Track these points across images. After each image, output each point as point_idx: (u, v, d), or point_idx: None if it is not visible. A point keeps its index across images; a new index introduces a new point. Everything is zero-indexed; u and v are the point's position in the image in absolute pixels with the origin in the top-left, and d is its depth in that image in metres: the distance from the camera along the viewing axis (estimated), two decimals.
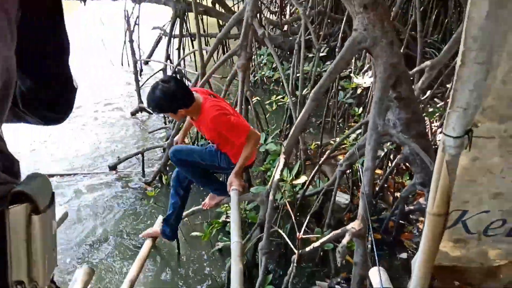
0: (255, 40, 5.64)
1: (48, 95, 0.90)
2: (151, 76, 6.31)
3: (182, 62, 6.75)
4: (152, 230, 3.13)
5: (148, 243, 3.07)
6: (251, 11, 3.72)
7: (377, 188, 3.93)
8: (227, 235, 3.13)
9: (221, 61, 3.98)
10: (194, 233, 3.26)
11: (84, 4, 6.32)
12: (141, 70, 7.03)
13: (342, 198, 3.85)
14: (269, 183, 2.78)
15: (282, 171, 2.79)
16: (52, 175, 4.18)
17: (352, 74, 4.94)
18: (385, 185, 3.99)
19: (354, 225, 2.42)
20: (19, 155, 4.53)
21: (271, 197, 2.62)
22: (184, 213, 3.20)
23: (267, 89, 6.44)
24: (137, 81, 5.38)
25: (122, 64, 7.11)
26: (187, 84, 2.88)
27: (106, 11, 8.17)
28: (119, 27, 5.85)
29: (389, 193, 4.02)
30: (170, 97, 2.42)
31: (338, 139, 3.84)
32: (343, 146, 4.25)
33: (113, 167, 4.33)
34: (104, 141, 4.98)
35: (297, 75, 5.41)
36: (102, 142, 4.94)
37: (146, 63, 7.21)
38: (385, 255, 3.26)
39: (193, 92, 2.55)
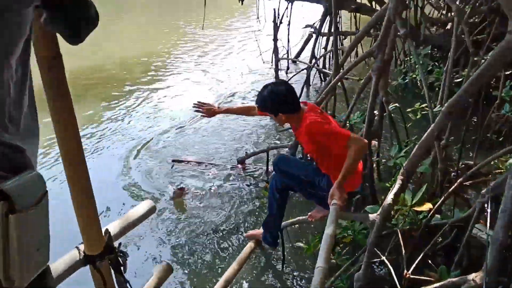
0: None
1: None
2: (294, 75, 6.30)
3: (325, 61, 6.58)
4: (257, 232, 3.08)
5: (250, 245, 3.03)
6: (394, 8, 3.31)
7: None
8: (332, 253, 2.87)
9: (356, 61, 3.68)
10: (299, 244, 3.09)
11: (242, 4, 6.61)
12: (288, 68, 7.07)
13: (485, 233, 3.16)
14: (381, 206, 2.44)
15: (398, 194, 2.42)
16: (182, 161, 4.51)
17: None
18: None
19: (476, 277, 1.92)
20: (157, 137, 5.03)
21: (377, 222, 2.28)
22: (289, 221, 3.05)
23: (418, 94, 5.77)
24: (277, 78, 5.39)
25: (271, 62, 7.27)
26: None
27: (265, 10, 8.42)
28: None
29: None
30: (275, 99, 2.48)
31: (489, 161, 3.15)
32: (499, 171, 3.52)
33: (241, 161, 4.43)
34: (238, 134, 5.13)
35: (456, 80, 4.70)
36: (236, 135, 5.09)
37: (294, 62, 7.22)
38: None
39: (302, 104, 2.54)
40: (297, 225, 3.34)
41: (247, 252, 2.93)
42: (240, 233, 3.43)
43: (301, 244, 3.02)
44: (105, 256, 1.58)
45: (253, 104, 2.81)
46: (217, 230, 3.48)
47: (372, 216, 2.41)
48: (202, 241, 3.36)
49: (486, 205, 2.66)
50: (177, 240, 3.39)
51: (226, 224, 3.56)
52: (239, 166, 4.40)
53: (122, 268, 1.68)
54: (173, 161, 4.52)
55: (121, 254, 1.66)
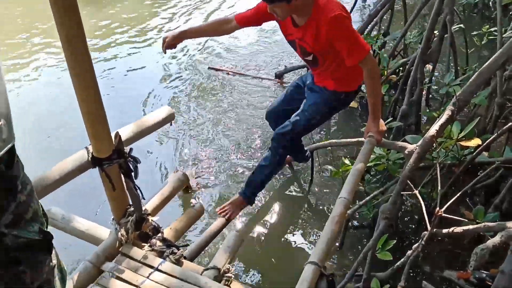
0: None
1: None
2: None
3: None
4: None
5: None
6: None
7: None
8: (361, 180, 2.72)
9: None
10: (329, 167, 2.95)
11: None
12: None
13: None
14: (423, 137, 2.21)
15: (444, 125, 2.16)
16: (218, 69, 4.36)
17: None
18: None
19: None
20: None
21: (415, 154, 2.07)
22: (320, 143, 2.89)
23: (488, 17, 5.10)
24: None
25: None
26: None
27: None
28: None
29: None
30: None
31: None
32: None
33: (279, 76, 4.20)
34: (278, 48, 4.79)
35: None
36: (277, 49, 4.77)
37: None
38: None
39: None
40: (328, 148, 3.18)
41: None
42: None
43: (330, 167, 2.88)
44: (113, 160, 1.51)
45: (224, 16, 2.31)
46: (243, 145, 3.40)
47: (410, 147, 2.20)
48: (229, 154, 3.30)
49: None
50: (202, 150, 3.35)
51: (252, 139, 3.46)
52: (277, 80, 4.17)
53: (132, 173, 1.62)
54: (209, 68, 4.35)
55: (132, 160, 1.59)
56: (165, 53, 2.23)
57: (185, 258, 1.80)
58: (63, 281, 0.89)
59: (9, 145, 0.70)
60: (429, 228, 1.99)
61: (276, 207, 2.86)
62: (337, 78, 2.24)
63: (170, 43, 2.20)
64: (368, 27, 3.76)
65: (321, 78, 2.31)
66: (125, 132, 1.66)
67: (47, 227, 0.80)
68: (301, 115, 2.34)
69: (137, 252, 1.72)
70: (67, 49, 1.27)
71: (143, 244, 1.77)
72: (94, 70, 1.34)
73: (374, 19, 3.71)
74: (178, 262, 1.72)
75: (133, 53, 4.78)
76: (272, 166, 2.47)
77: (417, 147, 2.17)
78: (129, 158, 1.56)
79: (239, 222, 2.71)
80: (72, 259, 2.27)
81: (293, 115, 2.37)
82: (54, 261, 0.81)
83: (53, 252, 0.83)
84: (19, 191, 0.74)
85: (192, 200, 2.72)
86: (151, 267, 1.67)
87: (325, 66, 2.20)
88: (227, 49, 4.78)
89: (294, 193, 2.97)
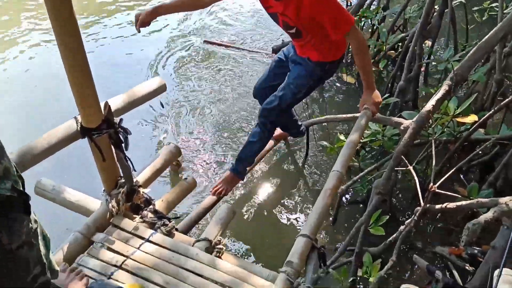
0: None
1: None
2: None
3: None
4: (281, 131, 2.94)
5: (270, 142, 2.90)
6: None
7: None
8: (356, 156, 2.71)
9: None
10: (324, 142, 2.93)
11: None
12: None
13: None
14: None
15: (440, 101, 2.13)
16: (214, 43, 4.30)
17: None
18: None
19: (510, 201, 1.72)
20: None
21: (410, 130, 2.05)
22: (316, 119, 2.86)
23: None
24: None
25: None
26: None
27: None
28: None
29: None
30: None
31: None
32: None
33: (276, 50, 4.13)
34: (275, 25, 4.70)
35: None
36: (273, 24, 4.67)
37: None
38: None
39: None
40: (325, 124, 3.15)
41: (266, 148, 2.82)
42: None
43: (325, 143, 2.86)
44: (103, 130, 1.48)
45: None
46: (238, 119, 3.37)
47: (406, 122, 2.17)
48: (224, 128, 3.27)
49: None
50: (196, 123, 3.32)
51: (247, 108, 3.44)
52: (274, 55, 4.11)
53: (123, 144, 1.60)
54: (205, 42, 4.28)
55: (122, 130, 1.56)
56: (139, 31, 2.02)
57: (177, 230, 1.79)
58: (46, 247, 0.87)
59: None
60: (422, 203, 1.99)
61: (270, 181, 2.85)
62: (320, 49, 2.16)
63: (144, 21, 2.01)
64: (368, 1, 3.68)
65: (304, 50, 2.23)
66: (115, 103, 1.62)
67: (23, 189, 0.77)
68: (287, 88, 2.29)
69: (128, 224, 1.71)
70: (52, 14, 1.22)
71: (134, 215, 1.76)
72: (81, 36, 1.30)
73: None
74: (169, 234, 1.71)
75: (127, 24, 4.69)
76: (260, 141, 2.47)
77: (412, 122, 2.14)
78: (119, 129, 1.53)
79: (232, 195, 2.71)
80: (62, 230, 2.26)
81: (278, 89, 2.32)
82: (35, 225, 0.79)
83: (34, 217, 0.81)
84: None
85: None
86: (142, 238, 1.67)
87: (308, 38, 2.12)
88: (223, 22, 4.69)
89: (289, 168, 2.97)
